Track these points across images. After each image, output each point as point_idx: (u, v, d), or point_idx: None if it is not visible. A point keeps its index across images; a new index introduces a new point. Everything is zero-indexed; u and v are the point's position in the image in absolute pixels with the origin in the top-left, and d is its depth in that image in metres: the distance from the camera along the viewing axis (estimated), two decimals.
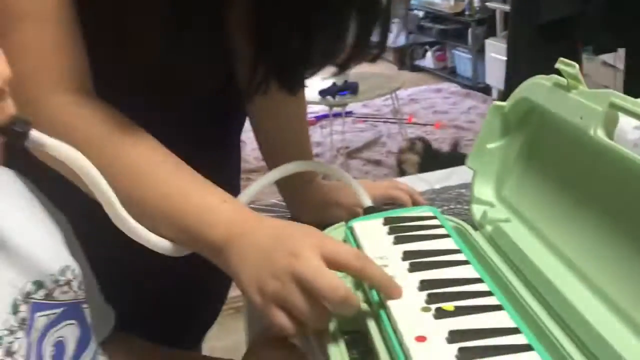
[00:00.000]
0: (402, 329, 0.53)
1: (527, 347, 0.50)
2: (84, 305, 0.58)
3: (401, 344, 0.52)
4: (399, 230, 0.67)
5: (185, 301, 0.87)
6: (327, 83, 3.16)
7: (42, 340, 0.51)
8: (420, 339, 0.51)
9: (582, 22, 2.23)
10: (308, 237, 0.57)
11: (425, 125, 3.99)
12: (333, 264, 0.55)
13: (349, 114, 4.03)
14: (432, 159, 2.86)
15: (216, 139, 0.82)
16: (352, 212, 0.81)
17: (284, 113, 0.88)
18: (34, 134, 0.47)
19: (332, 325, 0.59)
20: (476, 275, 0.60)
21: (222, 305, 0.99)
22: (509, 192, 0.72)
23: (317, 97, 3.18)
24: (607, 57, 3.03)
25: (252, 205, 0.95)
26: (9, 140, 0.46)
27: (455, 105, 4.38)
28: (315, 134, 3.64)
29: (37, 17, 0.59)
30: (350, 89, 3.24)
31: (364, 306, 0.60)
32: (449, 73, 4.98)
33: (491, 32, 4.43)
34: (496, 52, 4.11)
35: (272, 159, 0.89)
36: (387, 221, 0.69)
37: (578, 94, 0.59)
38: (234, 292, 0.97)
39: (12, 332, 0.48)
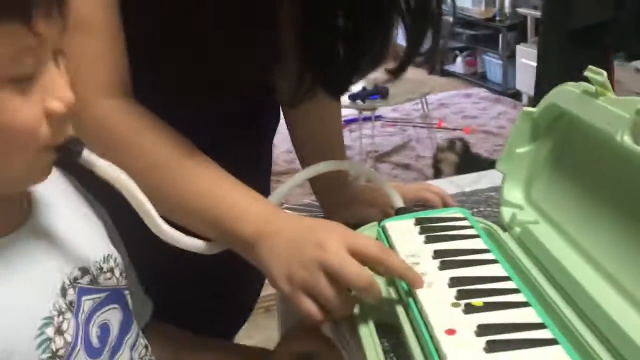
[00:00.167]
0: (433, 322, 0.55)
1: (552, 342, 0.52)
2: (126, 292, 0.62)
3: (432, 336, 0.54)
4: (430, 230, 0.70)
5: (219, 296, 0.90)
6: (357, 87, 3.19)
7: (88, 322, 0.55)
8: (450, 332, 0.54)
9: (614, 28, 2.22)
10: (334, 231, 0.61)
11: (454, 130, 3.99)
12: (356, 255, 0.59)
13: (378, 118, 4.05)
14: (470, 160, 2.85)
15: (249, 138, 0.86)
16: (384, 213, 0.84)
17: (319, 114, 0.91)
18: (86, 153, 0.53)
19: (365, 318, 0.62)
20: (504, 273, 0.62)
21: (255, 302, 1.03)
22: (537, 195, 0.74)
23: (347, 101, 3.20)
24: None
25: (286, 205, 0.98)
26: (63, 157, 0.51)
27: (485, 111, 4.37)
28: (345, 137, 3.63)
29: (87, 29, 0.63)
30: (380, 93, 3.26)
31: (395, 300, 0.63)
32: (479, 78, 4.97)
33: (522, 38, 4.41)
34: (527, 57, 4.10)
35: (306, 159, 0.92)
36: (418, 221, 0.72)
37: (606, 100, 0.61)
38: (265, 291, 1.01)
39: (61, 313, 0.52)
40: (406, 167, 3.53)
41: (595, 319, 0.56)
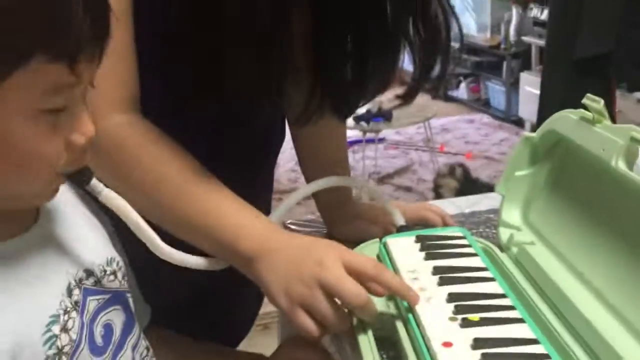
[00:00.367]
0: (430, 335, 0.58)
1: (545, 357, 0.54)
2: (128, 294, 0.65)
3: (429, 348, 0.56)
4: (430, 248, 0.72)
5: (217, 311, 0.92)
6: (362, 109, 3.22)
7: (93, 322, 0.58)
8: (447, 344, 0.56)
9: (616, 60, 2.25)
10: (331, 249, 0.63)
11: (456, 154, 4.03)
12: (353, 272, 0.61)
13: (381, 140, 4.08)
14: (471, 186, 2.87)
15: (253, 156, 0.88)
16: (386, 230, 0.86)
17: (325, 134, 0.93)
18: (94, 182, 0.57)
19: (364, 330, 0.64)
20: (501, 291, 0.64)
21: (253, 320, 1.04)
22: (534, 217, 0.76)
23: (351, 123, 3.24)
24: None
25: (290, 221, 1.00)
26: (72, 182, 0.56)
27: (488, 137, 4.41)
28: (348, 158, 3.69)
29: None
30: (384, 116, 3.30)
31: (395, 314, 0.65)
32: (482, 104, 5.02)
33: (526, 66, 4.46)
34: (530, 85, 4.14)
35: (311, 177, 0.94)
36: (419, 239, 0.74)
37: (602, 127, 0.64)
38: (264, 309, 1.03)
39: (67, 311, 0.54)
40: (408, 189, 3.56)
41: (586, 336, 0.58)
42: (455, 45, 0.78)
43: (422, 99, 3.56)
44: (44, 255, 0.55)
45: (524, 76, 4.36)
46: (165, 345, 0.72)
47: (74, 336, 0.54)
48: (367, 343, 0.62)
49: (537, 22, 4.21)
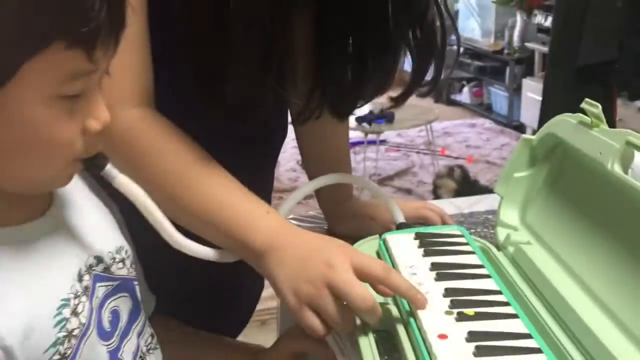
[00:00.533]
0: (426, 327, 0.59)
1: (537, 350, 0.56)
2: (135, 282, 0.66)
3: (425, 340, 0.58)
4: (429, 244, 0.74)
5: (218, 301, 0.93)
6: (364, 110, 3.24)
7: (101, 307, 0.59)
8: (442, 336, 0.58)
9: (618, 68, 2.27)
10: (341, 250, 0.64)
11: (457, 158, 4.04)
12: (362, 274, 0.62)
13: (383, 142, 4.10)
14: (469, 186, 2.88)
15: (255, 154, 0.88)
16: (386, 227, 0.87)
17: (328, 133, 0.95)
18: (109, 168, 0.58)
19: (364, 326, 0.65)
20: (496, 287, 0.66)
21: (250, 314, 1.05)
22: (532, 217, 0.78)
23: (353, 124, 3.26)
24: None
25: (292, 216, 1.02)
26: (87, 169, 0.57)
27: (489, 141, 4.43)
28: None
29: None
30: (386, 117, 3.32)
31: (392, 308, 0.66)
32: (484, 109, 5.03)
33: (529, 72, 4.48)
34: (533, 91, 4.16)
35: (313, 174, 0.96)
36: (418, 236, 0.76)
37: (599, 132, 0.66)
38: (262, 304, 1.04)
39: (77, 296, 0.56)
40: (408, 191, 3.57)
41: (578, 333, 0.60)
42: (458, 49, 0.80)
43: (425, 102, 3.57)
44: (56, 241, 0.57)
45: (527, 82, 4.38)
46: (167, 333, 0.74)
47: (83, 320, 0.55)
48: (364, 336, 0.64)
49: (540, 29, 4.23)
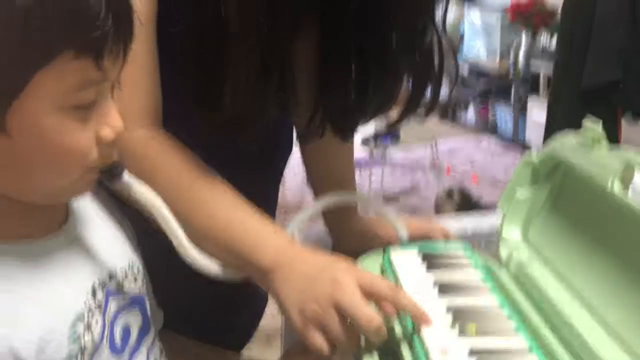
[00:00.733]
0: (428, 343, 0.60)
1: None
2: (145, 298, 0.67)
3: (426, 354, 0.59)
4: (432, 260, 0.75)
5: (223, 316, 0.93)
6: (370, 128, 3.26)
7: (113, 322, 0.60)
8: (444, 351, 0.59)
9: (623, 88, 2.28)
10: (347, 269, 0.65)
11: (462, 177, 4.05)
12: (368, 293, 0.63)
13: (388, 160, 4.11)
14: (470, 208, 2.87)
15: (259, 172, 0.89)
16: (390, 244, 0.88)
17: (333, 152, 0.96)
18: (126, 177, 0.59)
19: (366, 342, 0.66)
20: (498, 304, 0.67)
21: (254, 329, 1.06)
22: (534, 235, 0.79)
23: (358, 142, 3.27)
24: None
25: (295, 232, 1.03)
26: (103, 178, 0.57)
27: (494, 160, 4.44)
28: None
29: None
30: (392, 136, 3.33)
31: (397, 326, 0.67)
32: (490, 128, 5.05)
33: (534, 92, 4.49)
34: (538, 111, 4.17)
35: (319, 193, 0.97)
36: (421, 251, 0.77)
37: (599, 151, 0.67)
38: (265, 320, 1.05)
39: (91, 311, 0.57)
40: (413, 210, 3.58)
41: (579, 349, 0.61)
42: (464, 69, 0.81)
43: (430, 121, 3.58)
44: (71, 256, 0.58)
45: (532, 102, 4.39)
46: (174, 348, 0.75)
47: (96, 335, 0.56)
48: (368, 351, 0.65)
49: (545, 49, 4.25)
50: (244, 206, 0.70)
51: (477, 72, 5.04)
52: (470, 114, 5.22)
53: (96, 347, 0.56)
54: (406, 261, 0.75)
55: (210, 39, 0.68)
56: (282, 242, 0.68)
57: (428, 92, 0.80)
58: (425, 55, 0.77)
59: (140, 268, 0.67)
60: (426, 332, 0.61)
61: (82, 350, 0.55)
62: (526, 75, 4.59)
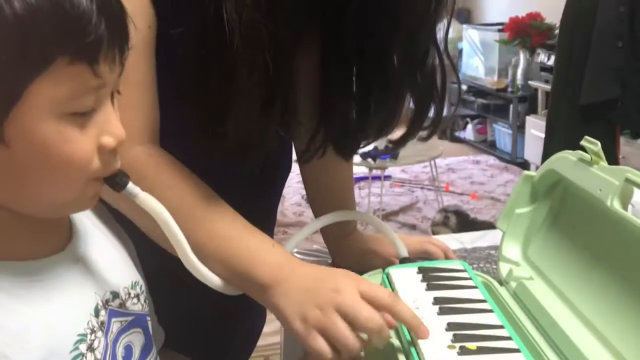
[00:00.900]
0: None
1: None
2: (148, 318, 0.67)
3: None
4: (432, 279, 0.75)
5: (221, 334, 0.94)
6: (369, 146, 3.25)
7: (115, 342, 0.59)
8: None
9: (621, 106, 2.29)
10: (348, 277, 0.66)
11: (461, 194, 4.05)
12: (368, 300, 0.63)
13: (387, 177, 4.12)
14: (467, 229, 2.87)
15: (258, 191, 0.89)
16: (389, 262, 0.88)
17: (332, 170, 0.96)
18: (130, 185, 0.58)
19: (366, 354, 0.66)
20: (498, 322, 0.66)
21: (252, 347, 1.05)
22: (533, 253, 0.79)
23: (358, 159, 3.28)
24: None
25: (296, 250, 1.03)
26: (109, 187, 0.56)
27: (493, 178, 4.44)
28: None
29: (124, 79, 0.68)
30: (391, 153, 3.34)
31: (396, 343, 0.67)
32: (488, 146, 5.06)
33: (532, 110, 4.51)
34: (536, 129, 4.18)
35: (319, 210, 0.97)
36: (421, 270, 0.77)
37: (599, 168, 0.67)
38: (263, 340, 1.04)
39: (93, 331, 0.56)
40: (412, 227, 3.58)
41: None
42: (462, 87, 0.82)
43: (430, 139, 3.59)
44: (75, 275, 0.57)
45: (530, 120, 4.41)
46: None
47: (98, 355, 0.56)
48: None
49: (543, 67, 4.27)
50: (242, 223, 0.71)
51: (476, 90, 5.06)
52: (469, 132, 5.23)
53: None
54: (406, 280, 0.75)
55: (213, 63, 0.67)
56: (281, 257, 0.69)
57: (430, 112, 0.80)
58: (427, 76, 0.77)
59: (144, 286, 0.67)
60: (426, 351, 0.61)
61: None
62: (524, 93, 4.61)
